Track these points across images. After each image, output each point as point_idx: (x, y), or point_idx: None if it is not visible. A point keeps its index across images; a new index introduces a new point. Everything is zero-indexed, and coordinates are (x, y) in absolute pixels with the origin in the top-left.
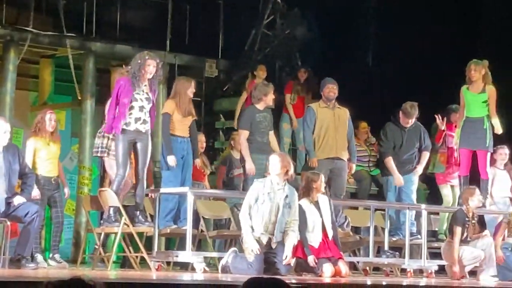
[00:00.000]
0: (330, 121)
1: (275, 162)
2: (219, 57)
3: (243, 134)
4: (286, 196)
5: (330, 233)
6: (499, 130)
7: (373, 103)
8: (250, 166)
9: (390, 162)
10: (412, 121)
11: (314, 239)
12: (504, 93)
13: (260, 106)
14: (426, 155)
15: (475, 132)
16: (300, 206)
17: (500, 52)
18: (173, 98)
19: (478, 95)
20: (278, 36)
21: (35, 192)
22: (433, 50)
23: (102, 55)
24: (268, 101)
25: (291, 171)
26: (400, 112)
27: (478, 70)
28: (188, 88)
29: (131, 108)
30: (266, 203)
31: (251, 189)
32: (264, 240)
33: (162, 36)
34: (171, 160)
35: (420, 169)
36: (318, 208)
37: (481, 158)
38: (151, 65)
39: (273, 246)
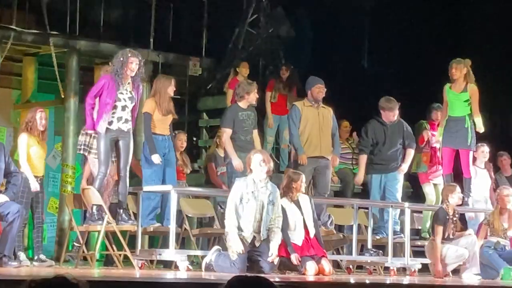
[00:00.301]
0: (315, 120)
1: (260, 160)
2: (203, 55)
3: (226, 133)
4: (270, 193)
5: (312, 232)
6: (481, 129)
7: (367, 104)
8: (237, 162)
9: (363, 159)
10: (395, 114)
11: (297, 237)
12: (486, 92)
13: (243, 104)
14: (411, 153)
15: (457, 131)
16: (281, 205)
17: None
18: (153, 97)
19: (459, 94)
20: (261, 35)
21: (34, 185)
22: (429, 50)
23: (85, 53)
24: (250, 99)
25: (272, 168)
26: (380, 110)
27: (459, 69)
28: (168, 87)
29: (114, 107)
30: (251, 202)
31: (234, 188)
32: (249, 239)
33: (145, 34)
34: (156, 158)
35: (405, 167)
36: (299, 207)
37: (463, 157)
38: (133, 63)
39: (257, 244)
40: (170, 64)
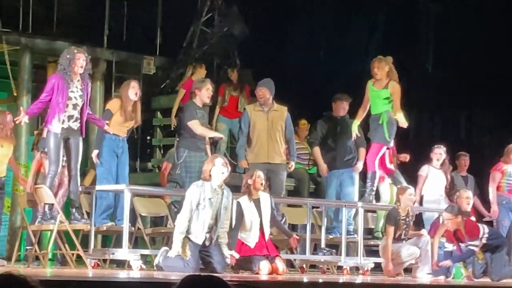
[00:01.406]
0: (263, 126)
1: (221, 162)
2: (157, 54)
3: (195, 124)
4: (226, 199)
5: (267, 233)
6: (404, 124)
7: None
8: (218, 135)
9: (317, 151)
10: (344, 107)
11: (252, 239)
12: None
13: (197, 101)
14: (363, 151)
15: (375, 128)
16: (239, 204)
17: None
18: (120, 98)
19: (380, 91)
20: (216, 34)
21: None
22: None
23: (38, 51)
24: (202, 95)
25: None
26: (333, 104)
27: (381, 68)
28: (127, 91)
29: (66, 106)
30: (207, 208)
31: (190, 193)
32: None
33: (99, 32)
34: (94, 154)
35: (360, 166)
36: (258, 207)
37: (371, 149)
38: (80, 59)
39: (207, 243)
40: (124, 63)
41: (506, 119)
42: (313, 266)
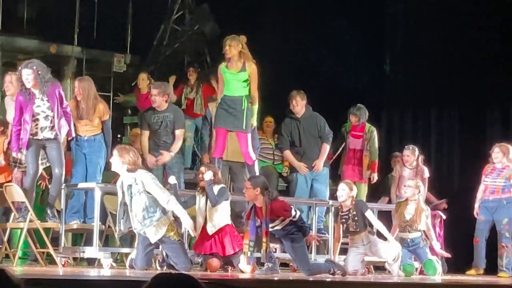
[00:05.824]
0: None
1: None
2: (128, 51)
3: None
4: (130, 186)
5: (210, 229)
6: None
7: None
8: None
9: (288, 154)
10: (292, 105)
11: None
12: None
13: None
14: (325, 147)
15: (232, 111)
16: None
17: None
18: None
19: (237, 74)
20: (186, 32)
21: None
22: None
23: (8, 49)
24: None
25: (136, 162)
26: (289, 104)
27: (233, 46)
28: (90, 89)
29: (36, 120)
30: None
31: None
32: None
33: (70, 30)
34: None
35: (319, 164)
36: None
37: (242, 141)
38: (25, 74)
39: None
40: (95, 60)
41: (472, 121)
42: (283, 265)
